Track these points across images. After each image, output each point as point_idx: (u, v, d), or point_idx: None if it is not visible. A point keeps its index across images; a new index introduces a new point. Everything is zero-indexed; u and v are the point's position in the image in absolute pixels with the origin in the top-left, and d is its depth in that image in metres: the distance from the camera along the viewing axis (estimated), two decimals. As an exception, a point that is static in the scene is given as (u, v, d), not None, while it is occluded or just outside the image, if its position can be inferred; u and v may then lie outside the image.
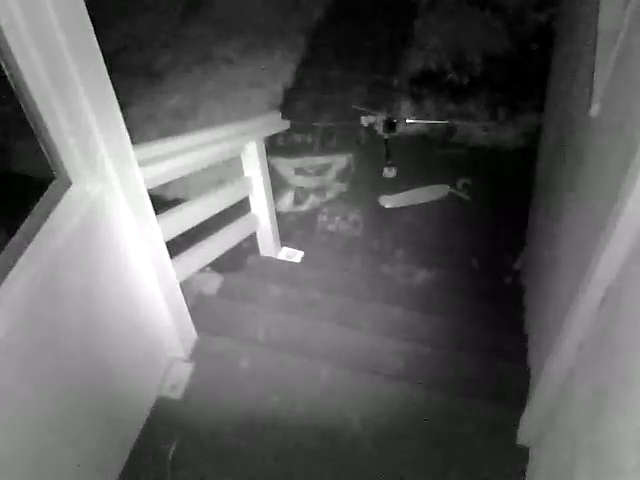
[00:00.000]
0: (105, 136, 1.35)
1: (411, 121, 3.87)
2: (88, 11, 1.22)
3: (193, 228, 2.14)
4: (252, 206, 2.72)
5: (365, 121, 3.77)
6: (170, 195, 3.29)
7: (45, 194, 1.36)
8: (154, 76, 4.27)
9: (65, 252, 1.36)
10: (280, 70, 4.30)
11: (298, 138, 3.89)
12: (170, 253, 1.80)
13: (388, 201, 3.58)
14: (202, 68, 4.33)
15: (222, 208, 2.37)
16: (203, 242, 2.34)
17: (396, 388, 2.00)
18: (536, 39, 4.26)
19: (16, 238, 1.27)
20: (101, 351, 1.59)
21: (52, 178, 1.38)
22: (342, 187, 3.69)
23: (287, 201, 3.62)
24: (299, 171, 3.75)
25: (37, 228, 1.30)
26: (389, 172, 3.68)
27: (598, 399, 1.16)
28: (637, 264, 1.09)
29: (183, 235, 2.06)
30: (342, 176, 3.74)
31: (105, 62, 1.30)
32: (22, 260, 1.25)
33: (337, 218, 3.54)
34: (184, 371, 1.99)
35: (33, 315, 1.27)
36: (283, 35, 4.50)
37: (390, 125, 3.70)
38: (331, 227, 3.51)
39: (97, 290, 1.52)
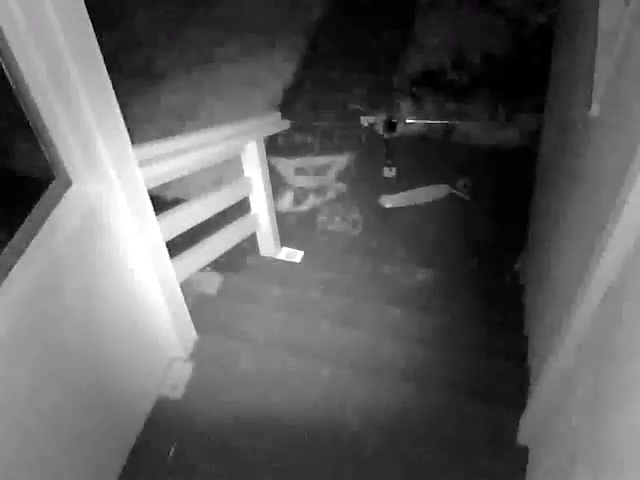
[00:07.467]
0: (105, 136, 1.35)
1: (411, 121, 3.86)
2: (88, 11, 1.23)
3: (193, 228, 2.14)
4: (252, 206, 2.73)
5: (365, 121, 3.77)
6: (170, 195, 3.29)
7: (45, 194, 1.35)
8: (154, 76, 4.27)
9: (65, 252, 1.36)
10: (280, 70, 4.30)
11: (298, 138, 3.88)
12: (170, 253, 1.80)
13: (388, 201, 3.58)
14: (202, 68, 4.32)
15: (222, 208, 2.37)
16: (203, 242, 2.34)
17: (396, 388, 2.00)
18: (536, 39, 4.26)
19: (16, 238, 1.26)
20: (101, 351, 1.59)
21: (52, 178, 1.38)
22: (342, 187, 3.69)
23: (287, 201, 3.62)
24: (299, 171, 3.75)
25: (37, 228, 1.30)
26: (389, 172, 3.68)
27: (598, 399, 1.16)
28: (637, 264, 1.09)
29: (183, 235, 2.06)
30: (342, 176, 3.74)
31: (105, 62, 1.30)
32: (22, 260, 1.25)
33: (337, 218, 3.54)
34: (184, 371, 1.99)
35: (33, 315, 1.27)
36: (283, 35, 4.50)
37: (390, 125, 3.69)
38: (331, 227, 3.51)
39: (97, 290, 1.52)
